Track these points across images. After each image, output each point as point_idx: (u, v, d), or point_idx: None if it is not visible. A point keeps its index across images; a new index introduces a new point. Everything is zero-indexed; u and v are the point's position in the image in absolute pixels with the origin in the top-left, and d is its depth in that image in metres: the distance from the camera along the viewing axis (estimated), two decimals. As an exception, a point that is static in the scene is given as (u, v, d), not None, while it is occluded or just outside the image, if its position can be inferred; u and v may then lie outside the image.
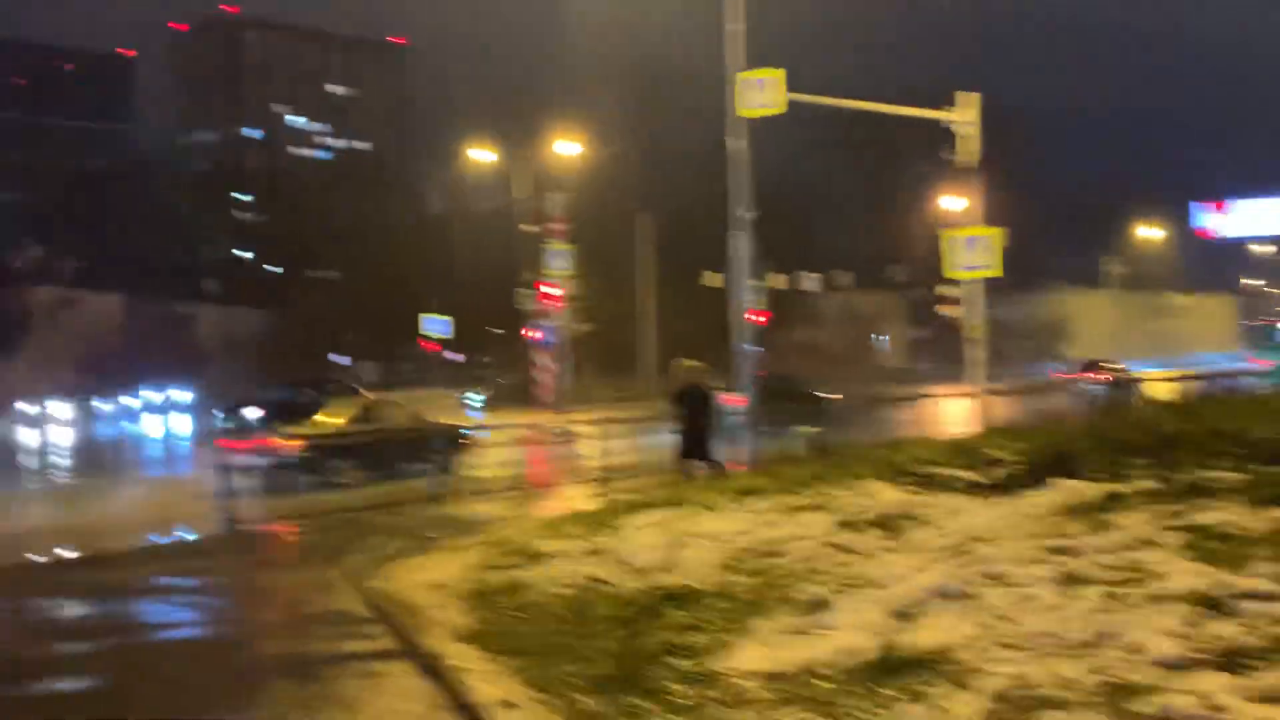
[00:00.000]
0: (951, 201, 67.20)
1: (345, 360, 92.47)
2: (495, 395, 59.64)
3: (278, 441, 16.40)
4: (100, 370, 65.55)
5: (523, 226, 52.86)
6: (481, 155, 55.31)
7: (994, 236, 22.70)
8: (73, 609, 8.81)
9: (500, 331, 76.63)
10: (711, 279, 63.01)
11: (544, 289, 34.04)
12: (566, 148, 50.98)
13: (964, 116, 22.87)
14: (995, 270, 22.56)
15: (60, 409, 49.52)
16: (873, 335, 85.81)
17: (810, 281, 57.81)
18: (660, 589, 7.17)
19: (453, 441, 18.70)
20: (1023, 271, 69.66)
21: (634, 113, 74.77)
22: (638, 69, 76.56)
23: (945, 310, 23.81)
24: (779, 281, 53.72)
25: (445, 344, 64.49)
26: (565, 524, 10.52)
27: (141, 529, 13.32)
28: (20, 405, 50.04)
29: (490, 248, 76.99)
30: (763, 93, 20.94)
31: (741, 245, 19.11)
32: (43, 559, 11.35)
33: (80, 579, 10.05)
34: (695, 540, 8.30)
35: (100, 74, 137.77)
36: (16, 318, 63.41)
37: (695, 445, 14.07)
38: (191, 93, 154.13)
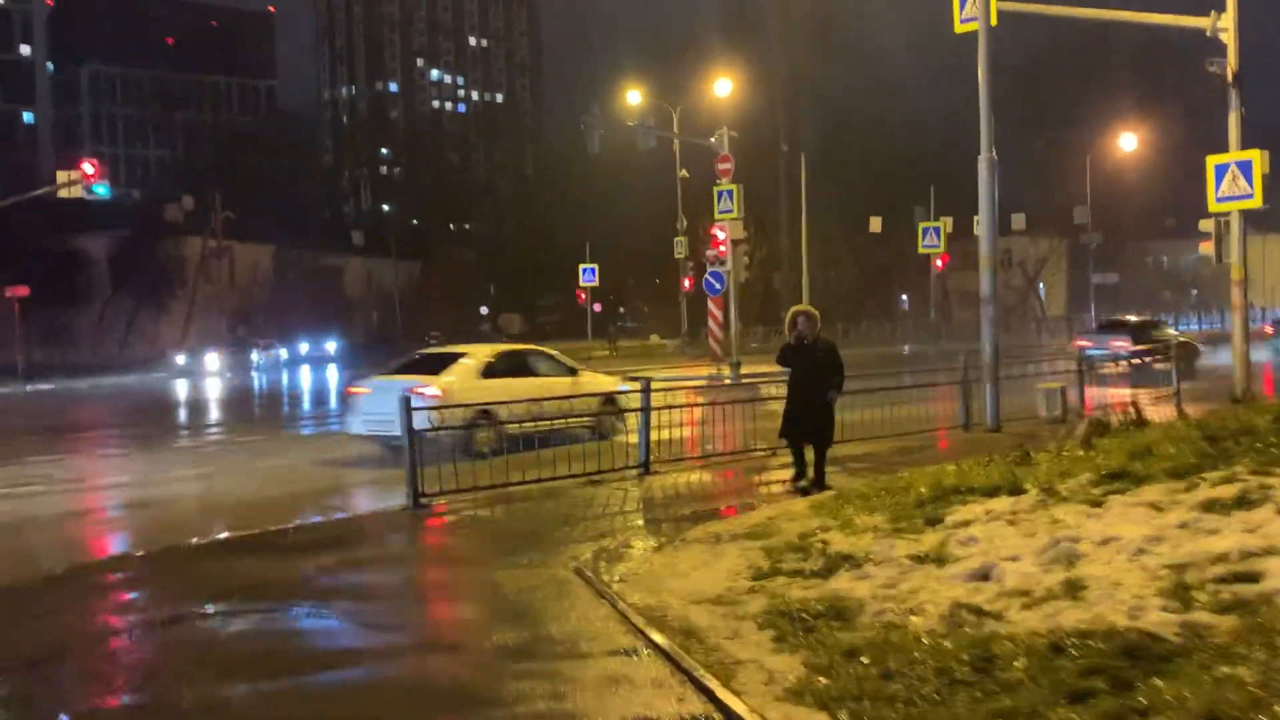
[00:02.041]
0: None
1: (484, 310, 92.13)
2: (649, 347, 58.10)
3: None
4: (250, 321, 65.93)
5: (681, 172, 50.62)
6: (632, 97, 52.82)
7: (1256, 160, 19.54)
8: (232, 623, 6.82)
9: (656, 281, 75.09)
10: (875, 224, 59.84)
11: (714, 232, 31.62)
12: (723, 86, 48.23)
13: (1225, 23, 19.59)
14: (1255, 201, 19.41)
15: (213, 360, 49.30)
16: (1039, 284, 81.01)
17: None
18: (1088, 632, 4.79)
19: (609, 401, 16.05)
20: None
21: (783, 49, 71.36)
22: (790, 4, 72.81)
23: (1207, 249, 20.46)
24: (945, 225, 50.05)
25: (592, 294, 62.65)
26: (851, 510, 8.18)
27: (299, 501, 11.49)
28: (177, 356, 50.00)
29: (640, 195, 75.14)
30: (967, 5, 18.20)
31: (985, 186, 16.42)
32: (201, 540, 9.52)
33: (237, 570, 8.10)
34: (1091, 549, 5.88)
35: (244, 31, 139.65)
36: (171, 269, 63.96)
37: (805, 416, 10.87)
38: (333, 48, 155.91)
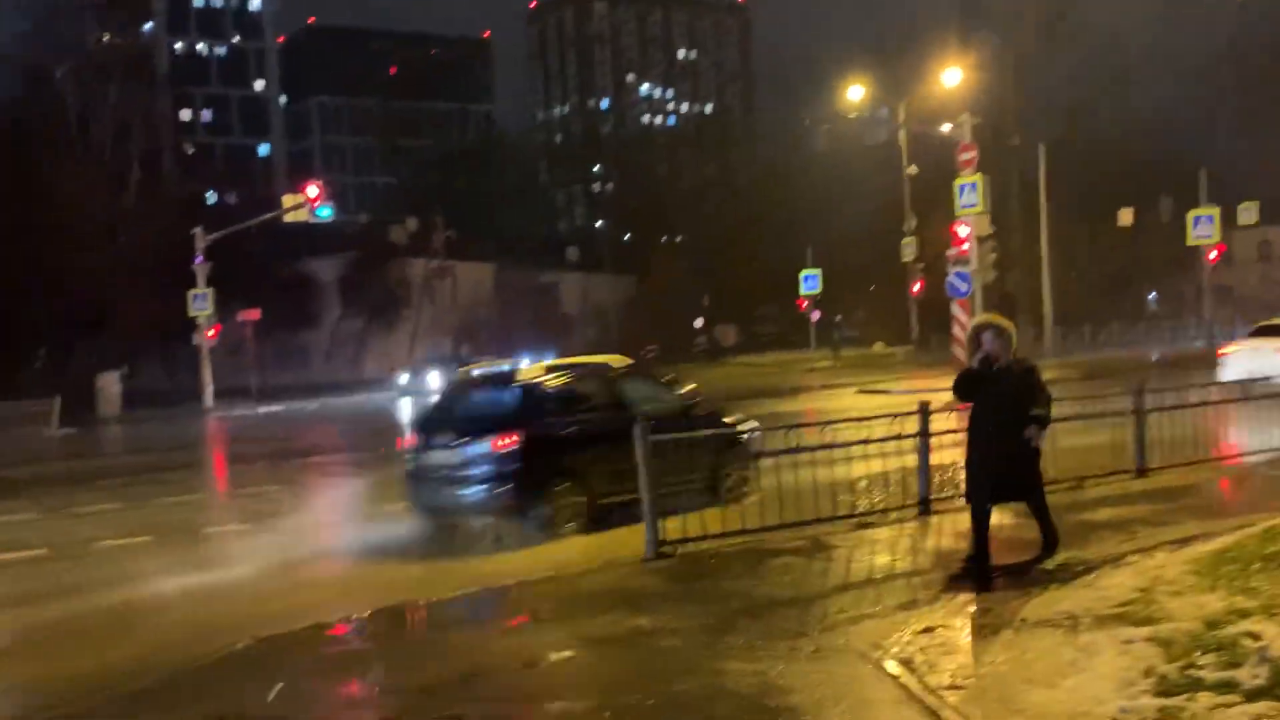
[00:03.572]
0: None
1: (699, 323, 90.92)
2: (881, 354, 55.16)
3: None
4: (473, 339, 66.68)
5: (909, 170, 47.93)
6: (854, 93, 50.30)
7: None
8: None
9: (872, 288, 72.09)
10: (1125, 216, 55.25)
11: (955, 229, 28.98)
12: (952, 76, 45.21)
13: None
14: None
15: (435, 378, 49.58)
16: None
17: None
18: None
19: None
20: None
21: (1011, 38, 67.14)
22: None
23: None
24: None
25: (814, 301, 60.23)
26: (1264, 581, 5.90)
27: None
28: (400, 376, 50.55)
29: (859, 199, 72.34)
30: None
31: None
32: (414, 604, 8.04)
33: (445, 647, 6.50)
34: None
35: (462, 58, 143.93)
36: (397, 290, 65.41)
37: (1003, 465, 7.85)
38: (546, 69, 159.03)
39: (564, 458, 10.52)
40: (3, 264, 42.54)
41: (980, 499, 7.82)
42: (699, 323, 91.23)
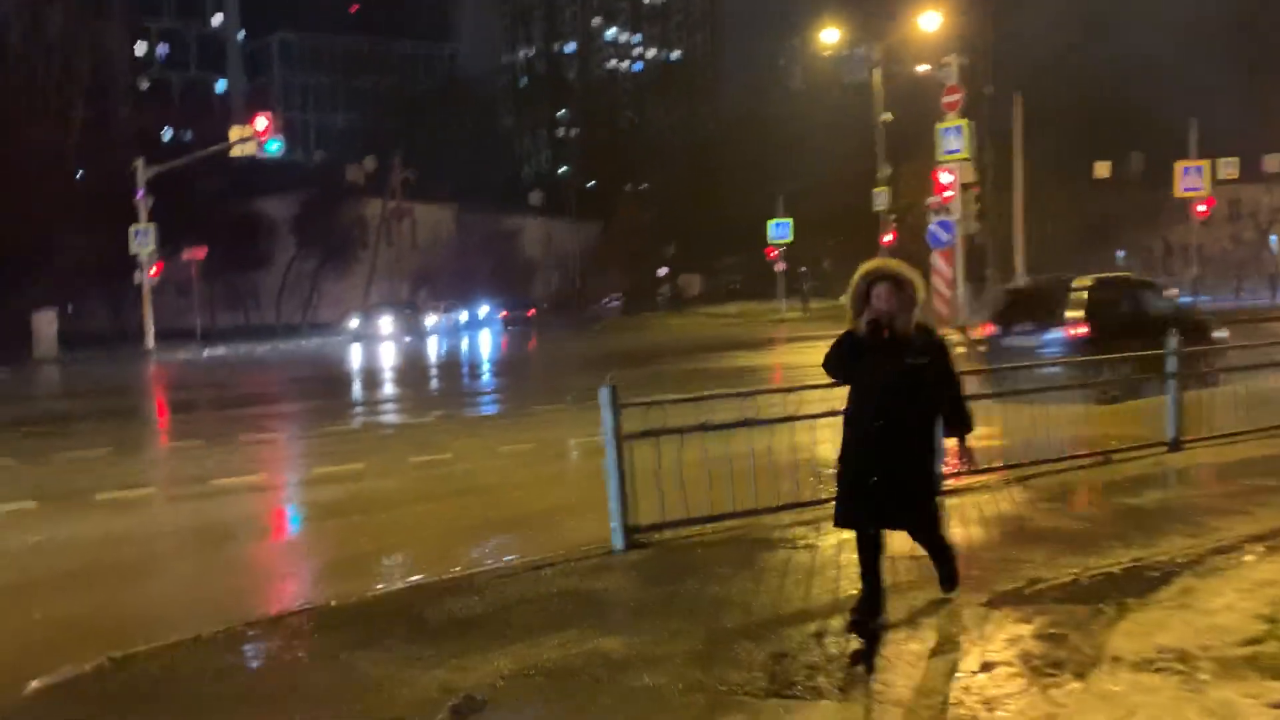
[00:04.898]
0: None
1: (662, 272, 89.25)
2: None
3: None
4: (431, 283, 64.77)
5: (883, 117, 46.59)
6: (828, 35, 48.50)
7: None
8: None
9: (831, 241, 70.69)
10: (1100, 169, 54.07)
11: (938, 176, 27.50)
12: (931, 20, 43.50)
13: None
14: None
15: (387, 323, 47.72)
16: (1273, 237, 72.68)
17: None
18: None
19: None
20: None
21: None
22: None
23: None
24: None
25: (782, 251, 58.72)
26: None
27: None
28: (351, 320, 48.60)
29: (827, 148, 70.68)
30: None
31: None
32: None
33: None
34: None
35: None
36: (353, 231, 63.23)
37: (884, 473, 5.41)
38: (512, 10, 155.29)
39: (1112, 343, 12.42)
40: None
41: (858, 520, 5.46)
42: (663, 271, 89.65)
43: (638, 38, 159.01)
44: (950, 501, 8.04)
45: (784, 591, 6.16)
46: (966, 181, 27.59)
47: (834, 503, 5.62)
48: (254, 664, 5.48)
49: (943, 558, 5.79)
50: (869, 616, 5.42)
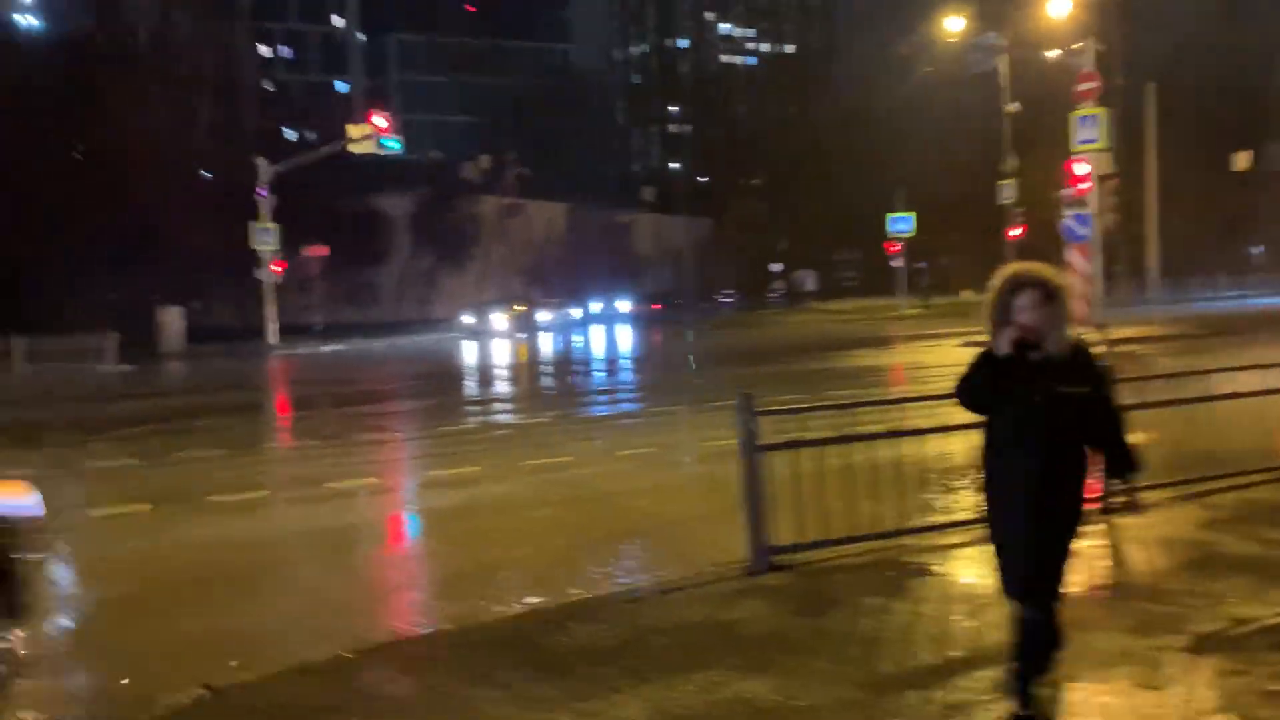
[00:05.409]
0: None
1: (776, 268, 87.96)
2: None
3: None
4: (543, 279, 64.97)
5: (1010, 107, 45.20)
6: (952, 24, 46.93)
7: None
8: None
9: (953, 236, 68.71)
10: (1241, 160, 51.52)
11: (1071, 167, 26.19)
12: (1059, 6, 41.73)
13: None
14: None
15: (499, 319, 47.78)
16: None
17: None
18: None
19: None
20: None
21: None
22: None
23: None
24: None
25: (904, 244, 57.25)
26: None
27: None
28: (464, 316, 48.80)
29: (946, 141, 68.93)
30: None
31: None
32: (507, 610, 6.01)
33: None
34: None
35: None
36: (467, 228, 63.75)
37: (1039, 531, 4.22)
38: (625, 7, 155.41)
39: None
40: (66, 191, 41.45)
41: (1022, 588, 4.27)
42: (776, 267, 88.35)
43: (751, 32, 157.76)
44: (1114, 523, 7.25)
45: (947, 628, 5.48)
46: (1103, 173, 26.20)
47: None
48: (362, 700, 5.01)
49: (1044, 630, 4.25)
50: (1036, 673, 4.29)
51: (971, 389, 4.39)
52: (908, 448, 7.22)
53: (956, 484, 7.46)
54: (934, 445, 7.46)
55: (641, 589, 6.41)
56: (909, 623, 5.57)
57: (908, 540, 6.96)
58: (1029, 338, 4.21)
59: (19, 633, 4.95)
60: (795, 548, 6.66)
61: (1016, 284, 4.30)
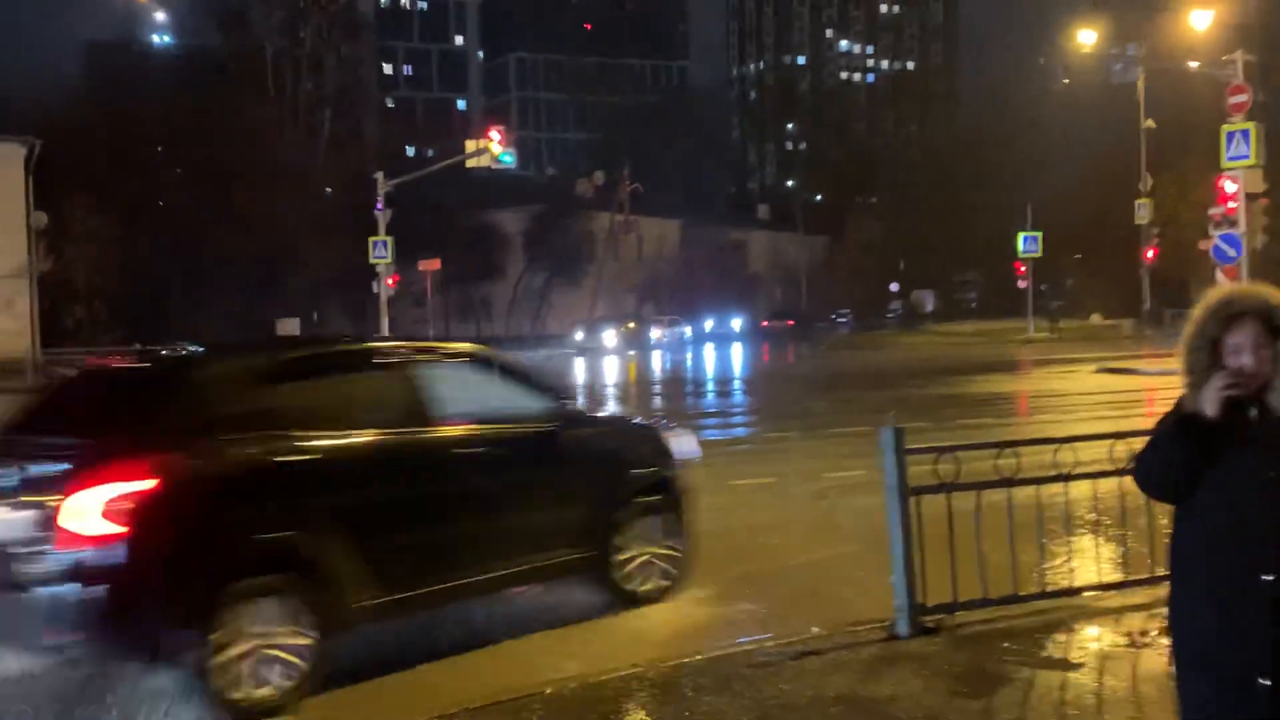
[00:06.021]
0: None
1: (894, 287, 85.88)
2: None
3: None
4: (656, 297, 64.48)
5: (1146, 123, 43.29)
6: (1084, 37, 44.97)
7: None
8: None
9: (1077, 257, 66.14)
10: None
11: (1223, 185, 24.56)
12: (1201, 18, 39.53)
13: None
14: None
15: (610, 337, 47.31)
16: None
17: None
18: None
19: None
20: None
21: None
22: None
23: None
24: None
25: (1032, 266, 55.19)
26: None
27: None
28: (576, 333, 48.51)
29: (1074, 158, 66.60)
30: None
31: None
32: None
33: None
34: None
35: (658, 13, 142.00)
36: (581, 244, 63.66)
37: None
38: (742, 24, 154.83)
39: None
40: (191, 204, 42.45)
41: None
42: (894, 287, 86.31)
43: (870, 49, 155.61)
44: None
45: (1143, 713, 4.53)
46: (1252, 191, 24.50)
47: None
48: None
49: None
50: None
51: (1161, 462, 2.97)
52: (1077, 489, 6.24)
53: (1135, 534, 6.43)
54: (1106, 484, 6.45)
55: (770, 651, 5.55)
56: (1090, 705, 4.63)
57: (1085, 600, 5.98)
58: (1248, 390, 2.89)
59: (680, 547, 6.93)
60: (948, 607, 5.74)
61: (1231, 313, 2.93)
